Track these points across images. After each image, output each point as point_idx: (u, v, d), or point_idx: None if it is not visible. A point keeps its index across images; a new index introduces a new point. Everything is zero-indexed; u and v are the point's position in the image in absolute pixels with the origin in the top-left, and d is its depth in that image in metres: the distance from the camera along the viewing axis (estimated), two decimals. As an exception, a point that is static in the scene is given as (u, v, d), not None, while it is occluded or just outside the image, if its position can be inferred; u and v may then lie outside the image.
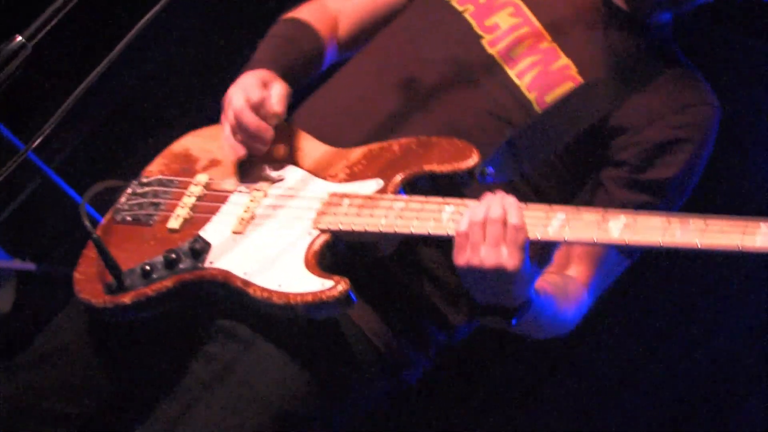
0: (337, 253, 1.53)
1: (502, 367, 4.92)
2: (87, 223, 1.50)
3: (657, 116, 1.67)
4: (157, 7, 1.42)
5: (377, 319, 1.60)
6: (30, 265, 1.99)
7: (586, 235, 1.37)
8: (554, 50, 1.69)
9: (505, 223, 1.37)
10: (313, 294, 1.43)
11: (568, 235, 1.38)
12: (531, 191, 1.63)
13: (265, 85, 1.64)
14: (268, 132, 1.58)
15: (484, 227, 1.38)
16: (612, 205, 1.56)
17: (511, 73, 1.68)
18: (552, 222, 1.39)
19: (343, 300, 1.43)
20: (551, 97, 1.65)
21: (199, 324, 1.61)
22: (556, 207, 1.42)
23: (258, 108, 1.58)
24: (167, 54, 3.15)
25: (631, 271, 1.82)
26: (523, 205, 1.41)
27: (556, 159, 1.66)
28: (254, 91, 1.60)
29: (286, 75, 1.70)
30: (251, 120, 1.56)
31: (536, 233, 1.39)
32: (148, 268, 1.54)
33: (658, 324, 4.72)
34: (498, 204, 1.39)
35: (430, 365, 1.73)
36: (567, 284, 1.64)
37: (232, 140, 1.61)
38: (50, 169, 3.02)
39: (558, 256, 1.70)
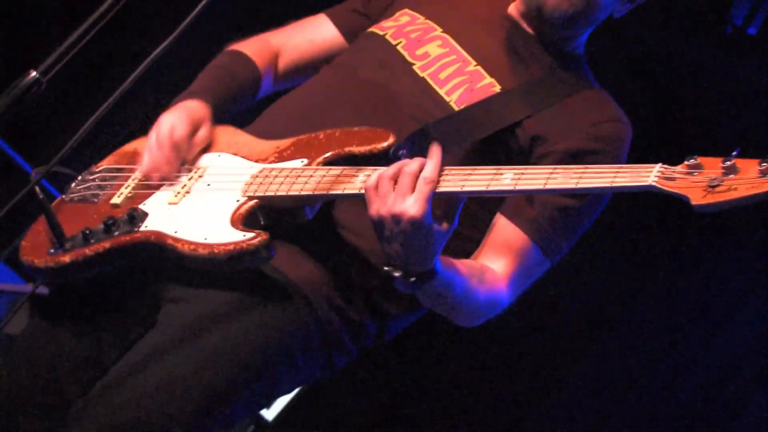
0: (262, 218, 1.68)
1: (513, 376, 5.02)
2: (37, 189, 1.58)
3: (572, 129, 1.82)
4: (172, 37, 1.55)
5: (318, 281, 1.75)
6: (44, 290, 2.06)
7: (481, 185, 1.50)
8: (479, 72, 1.89)
9: (416, 175, 1.50)
10: (235, 243, 1.58)
11: (467, 186, 1.51)
12: None
13: (194, 124, 1.83)
14: (169, 170, 1.78)
15: (394, 180, 1.51)
16: (534, 206, 1.78)
17: (441, 91, 1.87)
18: (449, 177, 1.53)
19: (262, 250, 1.58)
20: None
21: (145, 293, 1.78)
22: (455, 168, 1.56)
23: (177, 145, 1.78)
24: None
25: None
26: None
27: (473, 156, 1.80)
28: (180, 128, 1.80)
29: (219, 104, 1.92)
30: (159, 157, 1.77)
31: (439, 188, 1.51)
32: (88, 232, 1.68)
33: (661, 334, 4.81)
34: (417, 161, 1.53)
35: (356, 353, 1.86)
36: (484, 272, 1.74)
37: (145, 156, 1.80)
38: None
39: (483, 247, 1.81)
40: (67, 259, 1.68)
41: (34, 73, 1.47)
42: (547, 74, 1.90)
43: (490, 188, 1.50)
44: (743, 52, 4.24)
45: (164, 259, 1.67)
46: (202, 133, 1.85)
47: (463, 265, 1.70)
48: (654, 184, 1.35)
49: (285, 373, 1.77)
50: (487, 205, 1.83)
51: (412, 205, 1.48)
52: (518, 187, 1.49)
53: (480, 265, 1.76)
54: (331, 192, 1.62)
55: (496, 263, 1.79)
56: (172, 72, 2.88)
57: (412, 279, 1.56)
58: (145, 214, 1.71)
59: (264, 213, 1.68)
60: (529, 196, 1.77)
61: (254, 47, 2.06)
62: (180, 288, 1.74)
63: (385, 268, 1.59)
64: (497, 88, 1.85)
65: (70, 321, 1.80)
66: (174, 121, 1.80)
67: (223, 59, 2.04)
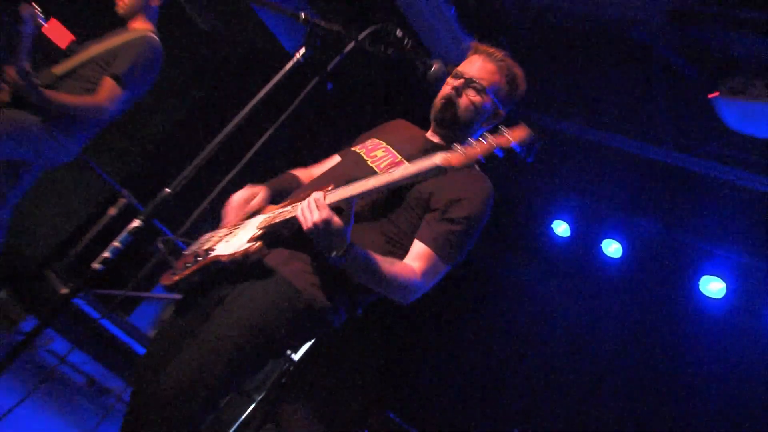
0: (266, 237, 2.78)
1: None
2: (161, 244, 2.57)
3: (453, 188, 2.92)
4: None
5: (300, 272, 2.78)
6: (178, 296, 2.97)
7: (347, 193, 2.60)
8: (402, 161, 3.00)
9: (317, 201, 2.62)
10: (245, 248, 2.72)
11: (334, 197, 2.62)
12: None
13: (254, 194, 3.08)
14: (234, 219, 3.03)
15: (309, 205, 2.63)
16: (431, 230, 2.88)
17: (378, 170, 2.96)
18: (331, 195, 2.63)
19: (256, 250, 2.70)
20: None
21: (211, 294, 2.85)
22: (338, 188, 2.67)
23: (242, 203, 3.05)
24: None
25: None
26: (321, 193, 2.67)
27: (391, 201, 2.91)
28: (244, 195, 3.08)
29: (275, 194, 3.13)
30: (228, 211, 3.06)
31: (329, 199, 2.62)
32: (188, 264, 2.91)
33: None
34: (311, 198, 2.65)
35: (345, 317, 2.91)
36: (395, 261, 2.81)
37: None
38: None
39: (410, 255, 2.87)
40: (177, 278, 2.87)
41: (167, 190, 2.71)
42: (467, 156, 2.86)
43: (358, 191, 2.59)
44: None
45: (221, 270, 2.79)
46: (254, 202, 3.07)
47: (377, 254, 2.75)
48: (438, 164, 2.46)
49: (282, 339, 2.73)
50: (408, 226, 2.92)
51: (318, 214, 2.59)
52: (375, 183, 2.57)
53: (393, 258, 2.81)
54: (284, 219, 2.75)
55: (413, 263, 2.84)
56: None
57: (337, 254, 2.63)
58: (213, 249, 2.86)
59: (267, 234, 2.79)
60: (429, 226, 2.88)
61: (303, 174, 3.34)
62: (226, 287, 2.79)
63: (324, 253, 2.65)
64: (406, 162, 2.82)
65: (182, 315, 2.89)
66: (245, 191, 3.09)
67: (285, 175, 3.29)
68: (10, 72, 4.33)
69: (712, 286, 6.79)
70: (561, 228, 7.93)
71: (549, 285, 8.07)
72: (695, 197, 6.72)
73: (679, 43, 5.40)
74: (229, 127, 2.80)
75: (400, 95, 7.58)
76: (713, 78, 4.89)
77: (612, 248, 7.49)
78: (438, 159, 2.49)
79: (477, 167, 2.94)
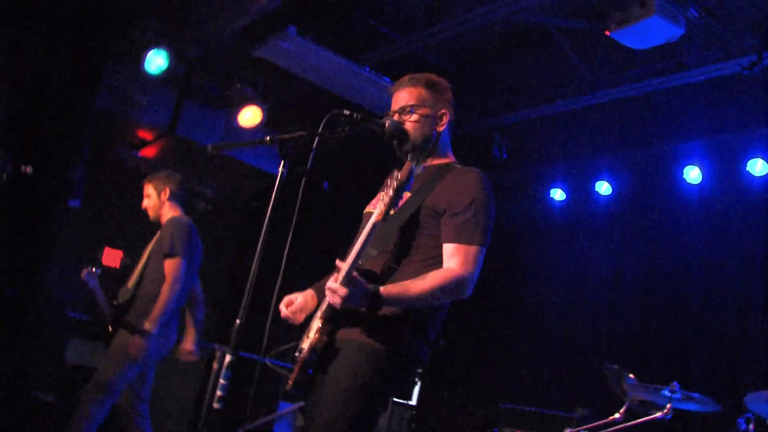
0: (329, 322, 2.89)
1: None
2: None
3: (450, 190, 2.99)
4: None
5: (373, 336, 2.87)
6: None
7: (345, 269, 2.74)
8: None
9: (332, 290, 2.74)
10: (314, 337, 2.87)
11: (342, 275, 2.74)
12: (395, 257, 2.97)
13: (306, 300, 3.14)
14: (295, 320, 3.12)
15: (329, 289, 2.76)
16: (448, 229, 2.92)
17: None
18: (342, 270, 2.75)
19: (321, 335, 2.86)
20: None
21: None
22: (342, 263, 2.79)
23: (297, 309, 3.11)
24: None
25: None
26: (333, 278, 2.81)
27: (409, 230, 2.97)
28: (297, 302, 3.13)
29: (322, 289, 3.04)
30: (286, 314, 3.13)
31: (338, 281, 2.75)
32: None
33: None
34: (327, 288, 2.78)
35: (425, 347, 2.94)
36: (425, 275, 2.84)
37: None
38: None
39: (444, 259, 2.91)
40: (292, 381, 2.94)
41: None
42: (430, 177, 3.05)
43: (344, 272, 2.73)
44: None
45: (312, 362, 2.90)
46: (300, 301, 3.12)
47: (406, 281, 2.82)
48: (374, 221, 2.82)
49: (379, 392, 2.86)
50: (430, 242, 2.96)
51: (338, 296, 2.72)
52: (348, 264, 2.74)
53: (424, 275, 2.84)
54: (326, 303, 2.87)
55: (447, 265, 2.88)
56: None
57: (375, 304, 2.75)
58: (302, 348, 2.94)
59: (327, 320, 2.88)
60: (446, 228, 2.93)
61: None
62: (321, 374, 2.88)
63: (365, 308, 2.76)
64: (373, 219, 2.86)
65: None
66: (299, 296, 3.15)
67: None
68: (107, 323, 4.96)
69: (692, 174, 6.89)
70: (558, 194, 8.09)
71: (557, 248, 8.11)
72: (653, 115, 6.80)
73: (561, 11, 5.68)
74: (259, 251, 2.86)
75: (388, 157, 7.83)
76: (601, 21, 5.12)
77: (604, 188, 7.63)
78: (373, 218, 2.80)
79: (460, 166, 3.11)
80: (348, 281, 2.72)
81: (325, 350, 2.85)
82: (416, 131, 3.14)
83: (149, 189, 5.33)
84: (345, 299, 2.71)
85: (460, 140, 7.10)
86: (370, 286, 2.74)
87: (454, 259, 2.88)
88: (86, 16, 6.02)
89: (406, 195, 3.00)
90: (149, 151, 8.43)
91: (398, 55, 6.50)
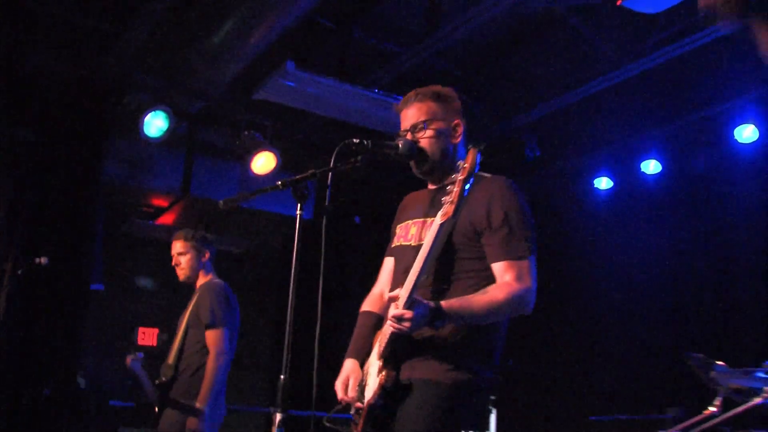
0: (390, 362, 2.94)
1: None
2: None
3: (481, 205, 3.02)
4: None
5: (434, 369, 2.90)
6: None
7: (411, 281, 2.78)
8: (429, 220, 3.07)
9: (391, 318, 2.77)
10: (379, 382, 2.90)
11: (403, 300, 2.76)
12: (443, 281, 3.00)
13: (347, 379, 3.14)
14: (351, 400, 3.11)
15: (392, 318, 2.77)
16: (492, 247, 2.97)
17: (420, 242, 3.03)
18: (402, 296, 2.77)
19: (388, 377, 2.89)
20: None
21: None
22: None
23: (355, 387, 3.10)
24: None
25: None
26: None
27: (446, 256, 2.99)
28: (341, 386, 3.13)
29: (360, 352, 3.20)
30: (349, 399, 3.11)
31: (400, 307, 2.77)
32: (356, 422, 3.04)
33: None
34: (391, 317, 2.79)
35: (492, 373, 2.97)
36: (485, 290, 2.89)
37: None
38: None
39: (496, 279, 2.94)
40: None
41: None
42: (458, 193, 2.96)
43: (408, 291, 2.76)
44: None
45: (378, 410, 2.93)
46: (353, 379, 3.13)
47: (461, 298, 2.86)
48: (440, 222, 2.83)
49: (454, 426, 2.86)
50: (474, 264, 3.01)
51: (405, 321, 2.73)
52: (416, 274, 2.77)
53: (483, 289, 2.90)
54: (387, 337, 2.90)
55: (502, 278, 2.93)
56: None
57: (438, 319, 2.78)
58: (364, 398, 3.00)
59: (388, 359, 2.94)
60: (489, 247, 2.97)
61: (373, 303, 3.38)
62: (390, 420, 2.90)
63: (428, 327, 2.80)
64: (439, 219, 2.87)
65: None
66: (341, 380, 3.15)
67: (362, 320, 3.35)
68: (154, 404, 5.03)
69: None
70: (603, 182, 8.00)
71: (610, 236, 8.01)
72: (689, 78, 6.68)
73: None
74: (291, 300, 2.87)
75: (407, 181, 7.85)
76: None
77: (651, 166, 7.52)
78: (438, 218, 2.79)
79: (486, 174, 3.13)
80: (411, 303, 2.75)
81: (392, 391, 2.89)
82: (433, 147, 3.18)
83: (183, 247, 5.35)
84: (413, 322, 2.72)
85: (488, 147, 7.14)
86: (431, 303, 2.78)
87: (507, 275, 2.92)
88: (76, 93, 6.15)
89: (431, 220, 3.01)
90: (166, 218, 8.54)
91: (405, 69, 6.50)
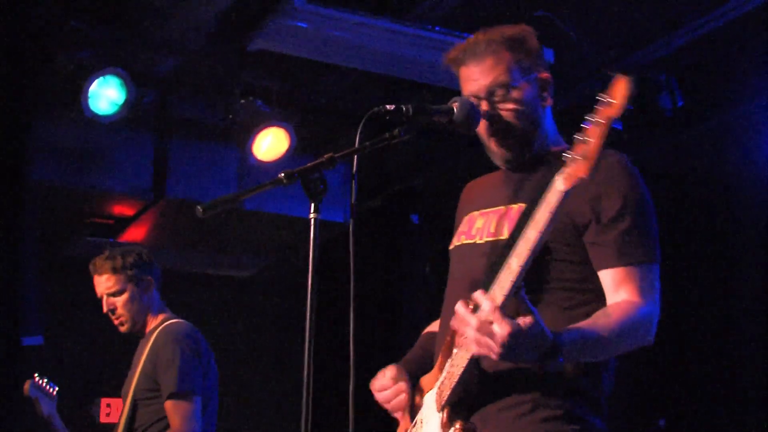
0: (457, 411, 3.01)
1: None
2: None
3: (587, 188, 2.92)
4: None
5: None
6: None
7: (510, 279, 2.75)
8: (510, 208, 3.21)
9: (484, 318, 2.69)
10: None
11: (505, 287, 2.75)
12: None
13: (394, 379, 3.30)
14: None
15: (480, 330, 2.70)
16: (603, 249, 3.00)
17: (497, 238, 3.16)
18: (495, 292, 2.77)
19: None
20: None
21: None
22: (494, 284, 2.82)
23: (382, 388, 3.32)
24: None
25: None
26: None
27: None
28: (382, 382, 3.33)
29: (415, 369, 3.35)
30: (381, 399, 3.34)
31: (497, 301, 2.73)
32: None
33: None
34: (477, 314, 2.74)
35: (601, 422, 3.05)
36: (606, 309, 2.95)
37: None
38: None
39: (607, 292, 3.00)
40: None
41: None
42: (542, 176, 2.97)
43: (509, 286, 2.74)
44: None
45: None
46: (399, 386, 3.29)
47: (582, 323, 2.88)
48: (565, 189, 2.66)
49: None
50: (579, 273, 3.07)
51: (499, 330, 2.64)
52: (522, 262, 2.74)
53: (602, 310, 2.95)
54: (462, 368, 2.92)
55: (620, 294, 2.97)
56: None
57: (552, 355, 2.72)
58: None
59: (454, 408, 3.01)
60: (598, 247, 3.02)
61: (435, 326, 3.50)
62: None
63: (537, 363, 2.76)
64: (523, 206, 3.07)
65: None
66: (380, 377, 3.34)
67: (420, 340, 3.60)
68: None
69: None
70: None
71: None
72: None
73: None
74: (308, 344, 2.92)
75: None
76: None
77: None
78: (560, 185, 2.70)
79: None
80: (512, 309, 2.76)
81: None
82: (521, 118, 3.23)
83: (114, 282, 5.28)
84: (513, 341, 2.67)
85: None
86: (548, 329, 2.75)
87: (624, 288, 2.97)
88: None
89: (518, 206, 3.14)
90: (134, 233, 8.61)
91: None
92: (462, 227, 3.38)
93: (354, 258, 3.06)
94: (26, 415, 5.29)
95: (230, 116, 7.29)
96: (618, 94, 2.66)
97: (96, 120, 6.62)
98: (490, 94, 3.20)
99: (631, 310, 2.92)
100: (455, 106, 3.15)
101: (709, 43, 6.99)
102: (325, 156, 3.06)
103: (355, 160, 3.13)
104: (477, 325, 2.70)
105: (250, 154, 7.31)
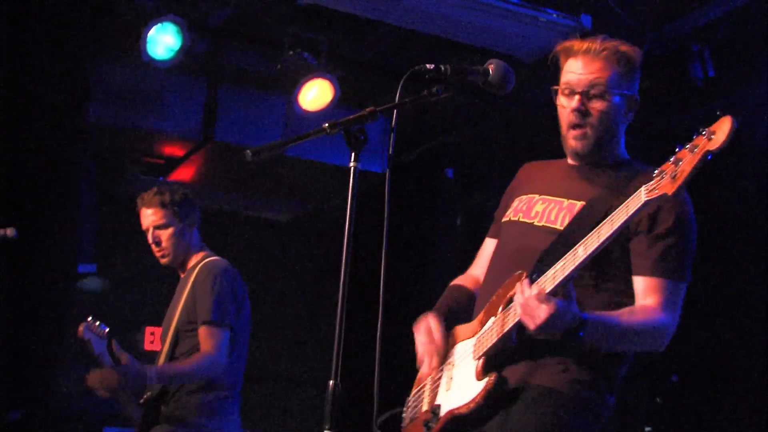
0: (493, 363, 3.20)
1: None
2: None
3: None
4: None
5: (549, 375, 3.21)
6: None
7: (568, 269, 2.98)
8: (570, 202, 3.37)
9: (537, 294, 2.96)
10: (483, 389, 3.13)
11: (558, 276, 3.00)
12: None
13: (429, 332, 3.46)
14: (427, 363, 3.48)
15: (530, 303, 2.97)
16: (646, 257, 3.20)
17: (553, 225, 3.34)
18: (550, 274, 3.03)
19: (498, 383, 3.12)
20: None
21: None
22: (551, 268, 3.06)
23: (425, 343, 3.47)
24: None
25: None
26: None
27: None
28: (423, 338, 3.47)
29: (446, 315, 3.54)
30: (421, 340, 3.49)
31: (546, 287, 2.99)
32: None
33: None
34: (528, 289, 3.02)
35: (611, 405, 3.29)
36: (633, 308, 3.17)
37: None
38: None
39: (637, 296, 3.21)
40: None
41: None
42: (608, 181, 3.30)
43: (572, 267, 2.97)
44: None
45: (460, 422, 3.19)
46: (437, 336, 3.45)
47: (610, 313, 3.14)
48: (646, 200, 2.82)
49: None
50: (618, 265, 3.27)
51: (544, 309, 2.93)
52: (589, 251, 2.96)
53: (629, 308, 3.18)
54: (506, 328, 3.13)
55: (646, 300, 3.18)
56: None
57: (575, 330, 2.97)
58: (439, 407, 3.30)
59: (491, 360, 3.19)
60: (642, 255, 3.21)
61: (466, 280, 3.79)
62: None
63: (561, 337, 3.00)
64: (583, 203, 3.28)
65: None
66: (422, 331, 3.49)
67: (450, 290, 3.77)
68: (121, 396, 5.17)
69: None
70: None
71: None
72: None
73: None
74: (343, 288, 3.00)
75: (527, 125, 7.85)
76: None
77: None
78: (644, 195, 2.86)
79: (645, 167, 3.31)
80: (562, 291, 3.01)
81: (496, 400, 3.16)
82: (603, 121, 3.39)
83: (160, 216, 5.40)
84: (551, 320, 2.94)
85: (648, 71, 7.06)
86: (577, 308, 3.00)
87: (652, 297, 3.20)
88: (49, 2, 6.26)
89: (580, 203, 3.34)
90: (183, 173, 8.71)
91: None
92: (520, 205, 3.54)
93: (389, 206, 3.15)
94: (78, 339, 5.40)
95: (278, 66, 7.33)
96: (721, 131, 2.76)
97: (152, 64, 6.72)
98: (586, 91, 3.34)
99: (654, 315, 3.15)
100: (491, 68, 3.27)
101: (743, 16, 6.99)
102: (367, 109, 3.15)
103: (395, 114, 3.21)
104: (528, 298, 2.98)
105: (296, 103, 7.39)
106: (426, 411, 3.39)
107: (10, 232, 5.08)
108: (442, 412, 3.27)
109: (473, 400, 3.15)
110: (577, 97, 3.34)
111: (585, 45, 3.38)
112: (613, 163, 3.44)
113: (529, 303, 2.97)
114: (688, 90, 7.27)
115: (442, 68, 3.23)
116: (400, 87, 3.22)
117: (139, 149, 8.42)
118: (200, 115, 7.80)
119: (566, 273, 2.99)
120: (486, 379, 3.14)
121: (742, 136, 7.84)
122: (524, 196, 3.55)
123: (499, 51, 6.54)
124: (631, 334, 3.17)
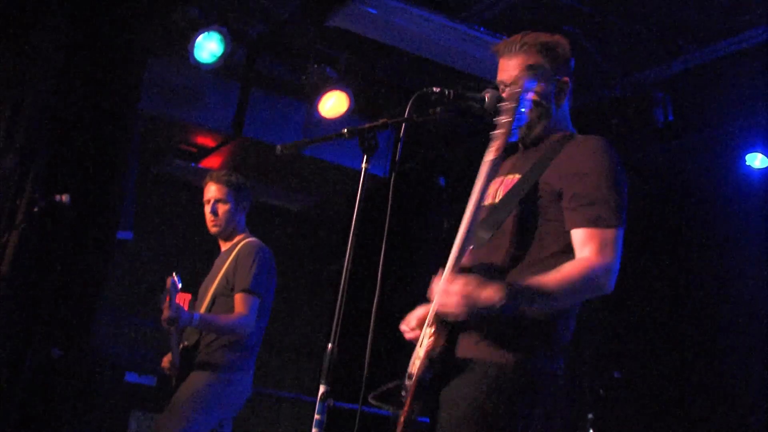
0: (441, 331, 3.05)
1: None
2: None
3: (569, 166, 3.16)
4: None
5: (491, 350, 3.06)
6: None
7: (451, 261, 2.97)
8: (510, 177, 3.30)
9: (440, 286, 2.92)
10: (424, 353, 3.00)
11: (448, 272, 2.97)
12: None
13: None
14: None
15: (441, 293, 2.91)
16: (575, 212, 3.06)
17: (494, 201, 3.26)
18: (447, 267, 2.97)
19: (442, 343, 2.99)
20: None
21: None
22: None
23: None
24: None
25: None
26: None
27: (526, 217, 3.16)
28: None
29: None
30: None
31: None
32: (402, 393, 3.10)
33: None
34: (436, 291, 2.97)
35: (560, 358, 3.12)
36: (560, 267, 2.98)
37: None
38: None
39: (575, 249, 3.05)
40: (402, 419, 3.03)
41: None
42: (544, 153, 3.26)
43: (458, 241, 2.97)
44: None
45: (426, 386, 3.04)
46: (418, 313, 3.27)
47: (538, 276, 2.96)
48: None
49: (513, 419, 3.00)
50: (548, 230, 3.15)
51: (455, 299, 2.84)
52: (458, 246, 2.97)
53: (556, 267, 2.99)
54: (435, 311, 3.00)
55: (583, 252, 3.03)
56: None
57: (502, 305, 2.83)
58: (412, 374, 3.06)
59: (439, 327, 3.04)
60: (572, 211, 3.07)
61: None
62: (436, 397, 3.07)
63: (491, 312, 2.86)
64: (518, 176, 3.23)
65: None
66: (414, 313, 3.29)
67: None
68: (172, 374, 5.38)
69: None
70: (757, 160, 7.81)
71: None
72: None
73: None
74: (346, 269, 3.09)
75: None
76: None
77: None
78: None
79: (580, 135, 3.33)
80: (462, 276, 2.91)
81: (443, 362, 3.02)
82: (531, 111, 3.30)
83: (222, 193, 5.57)
84: (466, 305, 2.85)
85: (609, 105, 7.22)
86: (500, 283, 2.87)
87: (587, 247, 3.03)
88: (114, 3, 6.39)
89: (515, 176, 3.26)
90: (212, 161, 8.81)
91: (514, 1, 6.55)
92: (488, 192, 3.39)
93: (392, 203, 3.25)
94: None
95: (303, 77, 7.44)
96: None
97: (197, 66, 6.85)
98: (513, 83, 3.26)
99: (583, 265, 3.00)
100: (487, 96, 3.30)
101: (701, 72, 7.11)
102: (381, 120, 3.27)
103: (403, 127, 3.31)
104: (438, 293, 2.94)
105: (315, 110, 7.46)
106: (407, 379, 3.18)
107: (65, 198, 5.27)
108: (412, 378, 3.10)
109: (421, 362, 3.01)
110: (505, 90, 3.29)
111: (509, 43, 3.36)
112: (554, 139, 3.32)
113: (439, 295, 2.92)
114: (650, 130, 7.39)
115: (446, 92, 3.28)
116: (409, 104, 3.29)
117: (178, 137, 8.53)
118: (232, 113, 7.88)
119: (453, 258, 2.95)
120: (429, 338, 3.01)
121: (692, 174, 8.03)
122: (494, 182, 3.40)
123: (491, 80, 6.65)
124: (562, 292, 2.95)
